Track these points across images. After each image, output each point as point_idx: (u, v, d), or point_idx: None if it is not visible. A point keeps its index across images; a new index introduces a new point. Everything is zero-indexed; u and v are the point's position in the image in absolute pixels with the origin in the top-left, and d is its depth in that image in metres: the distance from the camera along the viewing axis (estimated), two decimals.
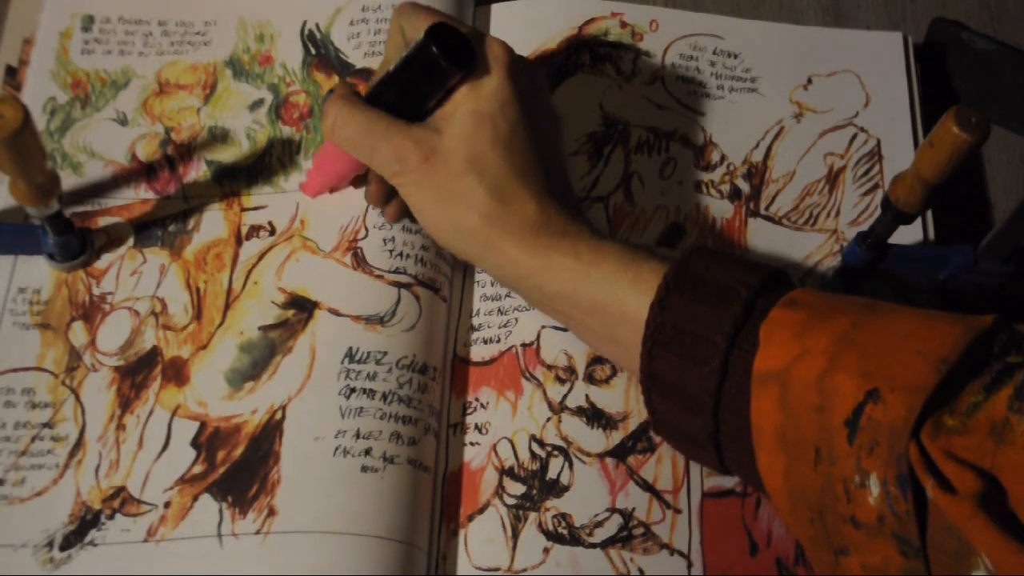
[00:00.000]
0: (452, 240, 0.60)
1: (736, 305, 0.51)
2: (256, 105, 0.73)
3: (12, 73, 0.73)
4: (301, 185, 0.69)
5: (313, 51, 0.75)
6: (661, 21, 0.78)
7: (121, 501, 0.61)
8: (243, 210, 0.69)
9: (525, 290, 0.60)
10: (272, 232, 0.69)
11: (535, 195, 0.58)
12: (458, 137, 0.58)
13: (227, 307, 0.66)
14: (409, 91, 0.59)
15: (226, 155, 0.71)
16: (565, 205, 0.59)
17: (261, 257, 0.68)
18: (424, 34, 0.57)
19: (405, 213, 0.66)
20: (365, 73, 0.73)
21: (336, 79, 0.73)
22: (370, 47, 0.74)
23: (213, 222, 0.69)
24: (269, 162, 0.71)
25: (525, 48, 0.76)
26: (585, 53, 0.76)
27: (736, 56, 0.77)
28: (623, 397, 0.65)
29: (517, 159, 0.58)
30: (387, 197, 0.66)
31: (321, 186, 0.69)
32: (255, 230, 0.69)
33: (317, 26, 0.75)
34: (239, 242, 0.68)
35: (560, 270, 0.57)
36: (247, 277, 0.67)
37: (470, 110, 0.58)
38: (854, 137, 0.75)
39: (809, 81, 0.77)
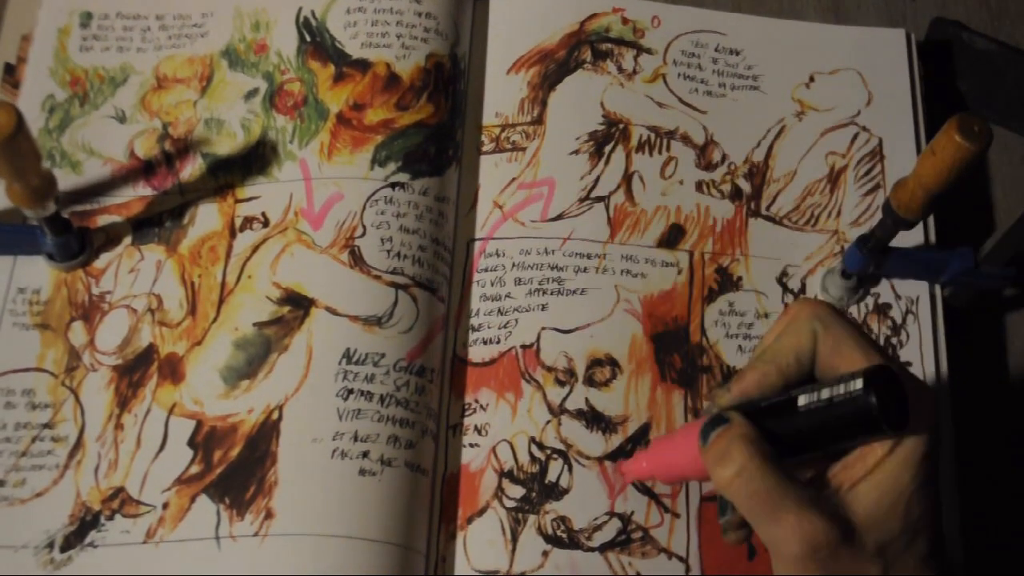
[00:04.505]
0: None
1: None
2: (251, 95, 0.72)
3: (10, 71, 0.72)
4: (623, 464, 0.57)
5: (308, 39, 0.74)
6: (663, 17, 0.77)
7: (120, 502, 0.61)
8: (237, 201, 0.69)
9: None
10: (265, 224, 0.68)
11: None
12: (871, 521, 0.47)
13: (221, 302, 0.66)
14: (818, 439, 0.48)
15: (221, 147, 0.71)
16: None
17: (255, 250, 0.68)
18: (863, 381, 0.45)
19: (746, 539, 0.55)
20: (362, 64, 0.72)
21: (332, 68, 0.72)
22: (367, 38, 0.73)
23: (207, 215, 0.69)
24: (263, 152, 0.71)
25: (525, 45, 0.75)
26: (586, 50, 0.76)
27: (738, 53, 0.77)
28: (622, 400, 0.65)
29: (921, 545, 0.48)
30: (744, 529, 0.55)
31: (649, 474, 0.55)
32: (248, 221, 0.69)
33: (313, 13, 0.75)
34: (233, 234, 0.68)
35: None
36: (241, 271, 0.67)
37: (890, 486, 0.47)
38: (856, 136, 0.74)
39: (811, 79, 0.76)
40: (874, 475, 0.47)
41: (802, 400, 0.47)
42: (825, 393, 0.46)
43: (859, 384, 0.45)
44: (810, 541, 0.46)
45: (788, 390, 0.48)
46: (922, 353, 0.67)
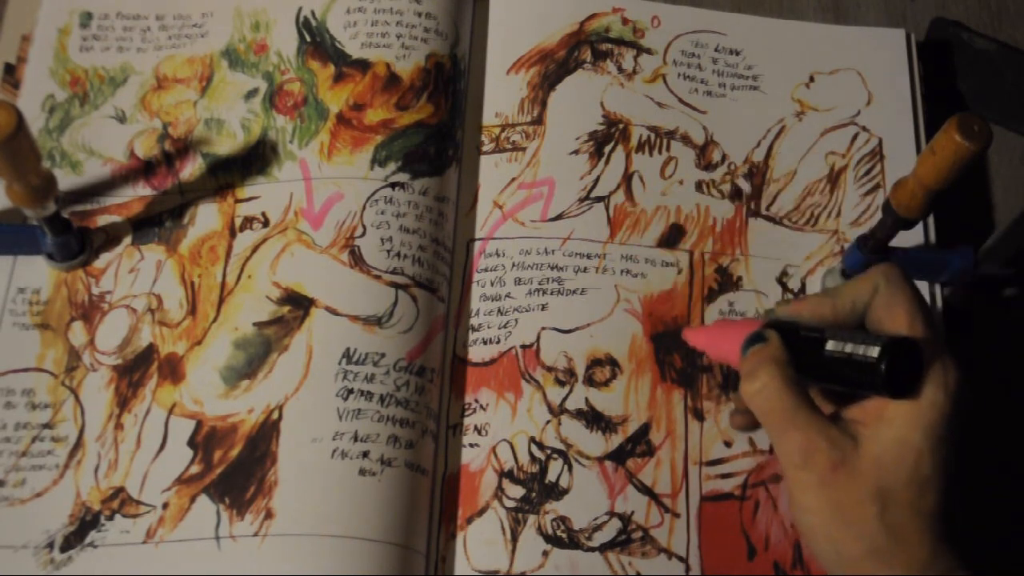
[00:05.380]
0: (826, 558, 0.53)
1: None
2: (251, 95, 0.72)
3: (10, 71, 0.72)
4: (688, 331, 0.62)
5: (308, 39, 0.74)
6: (663, 17, 0.77)
7: (120, 502, 0.61)
8: (237, 201, 0.69)
9: None
10: (265, 223, 0.68)
11: (931, 541, 0.51)
12: (875, 462, 0.51)
13: (221, 301, 0.66)
14: (836, 379, 0.53)
15: (221, 147, 0.71)
16: (955, 548, 0.52)
17: (255, 250, 0.68)
18: (880, 351, 0.49)
19: (750, 428, 0.64)
20: (362, 64, 0.72)
21: (332, 68, 0.72)
22: (367, 37, 0.73)
23: (207, 215, 0.69)
24: (263, 152, 0.71)
25: (525, 45, 0.75)
26: (586, 50, 0.76)
27: (738, 53, 0.77)
28: (622, 400, 0.65)
29: (927, 502, 0.51)
30: (748, 418, 0.62)
31: (702, 350, 0.63)
32: (248, 221, 0.69)
33: (313, 13, 0.75)
34: (233, 234, 0.68)
35: None
36: (241, 270, 0.67)
37: (899, 437, 0.51)
38: (856, 136, 0.74)
39: (811, 79, 0.76)
40: (884, 424, 0.51)
41: (829, 345, 0.52)
42: (848, 348, 0.51)
43: (875, 352, 0.49)
44: (807, 455, 0.51)
45: (833, 327, 0.53)
46: None
